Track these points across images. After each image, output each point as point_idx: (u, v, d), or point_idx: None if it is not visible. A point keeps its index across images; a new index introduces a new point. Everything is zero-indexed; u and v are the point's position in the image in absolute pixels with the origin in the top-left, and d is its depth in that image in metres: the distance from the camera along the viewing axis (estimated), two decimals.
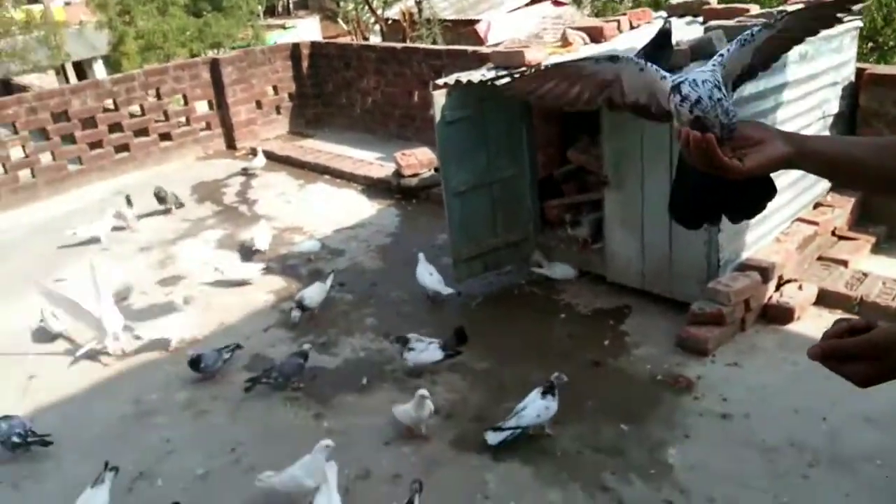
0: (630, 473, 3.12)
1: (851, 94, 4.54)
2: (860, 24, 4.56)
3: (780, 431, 3.26)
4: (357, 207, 6.59)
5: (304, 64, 8.97)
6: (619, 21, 4.48)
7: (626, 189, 4.20)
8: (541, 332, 4.27)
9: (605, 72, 1.23)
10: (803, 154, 1.13)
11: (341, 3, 16.99)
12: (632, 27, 4.55)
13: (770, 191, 1.24)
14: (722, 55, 1.15)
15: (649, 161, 4.00)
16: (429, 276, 4.75)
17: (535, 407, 3.28)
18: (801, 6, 1.26)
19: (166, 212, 6.79)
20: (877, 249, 4.55)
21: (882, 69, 4.63)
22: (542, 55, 4.17)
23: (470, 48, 7.25)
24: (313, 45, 9.13)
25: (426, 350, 3.85)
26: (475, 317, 4.54)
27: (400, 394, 3.82)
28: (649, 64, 1.21)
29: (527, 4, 15.94)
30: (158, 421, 3.83)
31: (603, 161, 4.30)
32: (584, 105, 1.29)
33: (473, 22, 15.29)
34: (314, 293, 4.62)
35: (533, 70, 1.43)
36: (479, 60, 6.44)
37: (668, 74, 1.17)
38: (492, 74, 4.16)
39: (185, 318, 4.60)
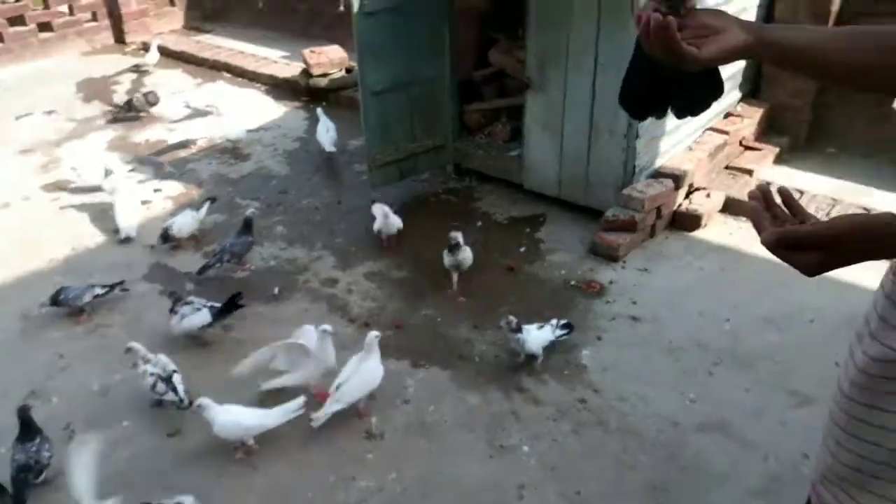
0: (545, 374, 3.19)
1: (768, 4, 4.56)
2: None
3: (687, 333, 3.40)
4: (261, 109, 6.23)
5: None
6: None
7: (548, 92, 4.12)
8: None
9: None
10: (763, 41, 1.10)
11: None
12: None
13: (717, 89, 1.23)
14: None
15: (574, 62, 3.91)
16: (325, 133, 4.80)
17: None
18: None
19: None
20: (779, 160, 4.72)
21: None
22: None
23: None
24: None
25: (195, 315, 3.38)
26: None
27: (312, 303, 3.72)
28: None
29: None
30: (50, 336, 3.58)
31: (525, 63, 4.18)
32: None
33: None
34: (183, 223, 4.17)
35: None
36: None
37: None
38: None
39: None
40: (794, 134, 4.77)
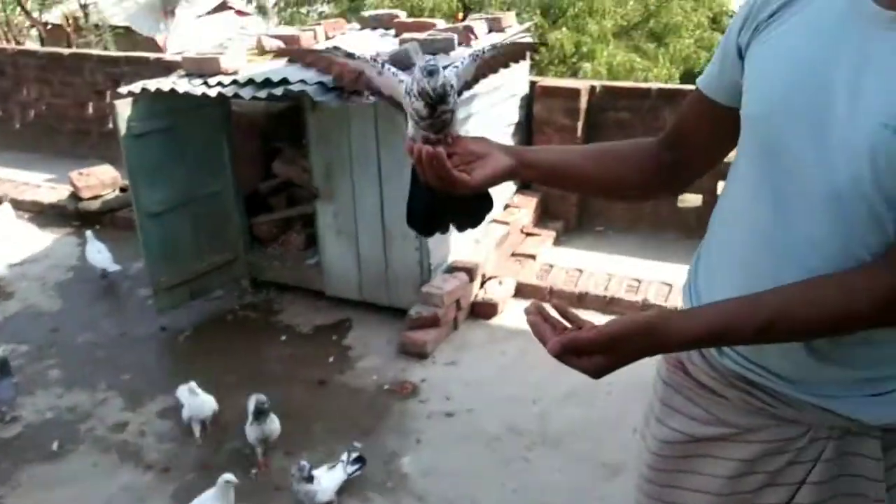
0: (367, 492, 3.06)
1: (527, 104, 5.04)
2: (531, 39, 5.08)
3: (500, 420, 3.47)
4: (25, 239, 5.62)
5: None
6: (315, 31, 4.41)
7: (337, 200, 4.15)
8: (261, 359, 4.02)
9: (351, 65, 1.27)
10: (524, 163, 1.20)
11: None
12: (327, 38, 4.51)
13: (489, 203, 1.31)
14: (457, 66, 1.22)
15: (359, 170, 3.99)
16: (97, 253, 4.62)
17: None
18: (503, 42, 1.38)
19: None
20: (557, 242, 5.12)
21: (551, 82, 5.22)
22: (241, 61, 3.93)
23: (152, 55, 6.64)
24: None
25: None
26: (185, 352, 4.13)
27: (102, 455, 3.30)
28: (387, 66, 1.24)
29: (209, 13, 15.24)
30: None
31: (311, 172, 4.20)
32: (351, 86, 1.36)
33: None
34: None
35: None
36: (164, 68, 5.91)
37: (404, 76, 1.20)
38: (185, 82, 3.80)
39: None
40: (566, 218, 5.22)
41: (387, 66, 1.24)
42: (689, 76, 9.97)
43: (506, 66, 1.37)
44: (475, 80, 1.34)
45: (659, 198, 1.39)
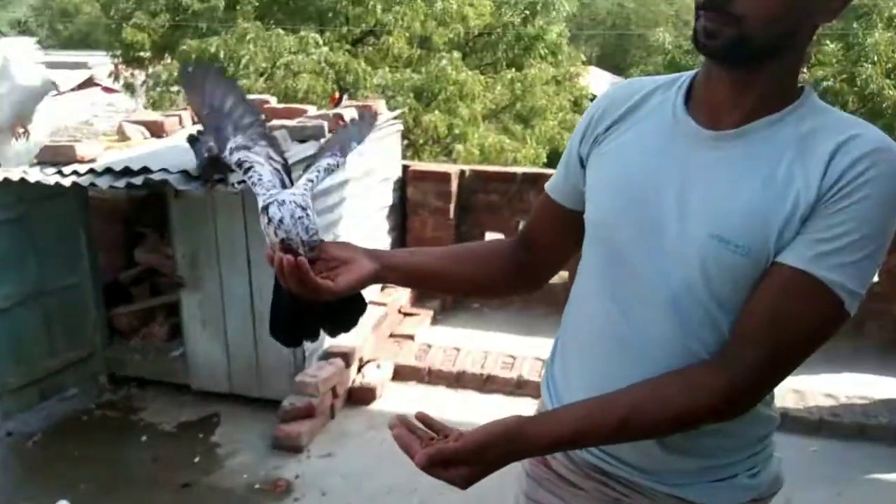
0: None
1: (401, 187, 5.13)
2: (401, 126, 5.22)
3: None
4: None
5: None
6: (180, 116, 4.32)
7: (204, 289, 3.99)
8: (121, 462, 3.73)
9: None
10: (387, 267, 1.21)
11: None
12: (194, 123, 4.43)
13: (362, 306, 1.30)
14: (311, 181, 1.20)
15: (226, 258, 3.88)
16: None
17: None
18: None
19: None
20: (435, 321, 5.15)
21: (422, 166, 5.36)
22: (98, 149, 3.77)
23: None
24: None
25: None
26: (34, 460, 3.76)
27: None
28: (256, 176, 1.18)
29: (73, 89, 14.64)
30: None
31: (175, 260, 4.04)
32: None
33: None
34: None
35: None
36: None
37: (262, 191, 1.16)
38: (37, 171, 3.60)
39: None
40: (442, 296, 5.28)
41: (256, 176, 1.17)
42: (555, 156, 10.57)
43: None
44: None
45: (519, 294, 1.44)
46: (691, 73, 1.16)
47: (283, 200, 1.10)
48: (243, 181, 1.24)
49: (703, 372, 1.07)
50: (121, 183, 3.42)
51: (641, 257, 1.11)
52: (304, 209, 1.11)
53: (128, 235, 4.85)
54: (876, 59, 9.21)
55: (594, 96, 11.42)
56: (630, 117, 1.18)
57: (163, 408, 4.18)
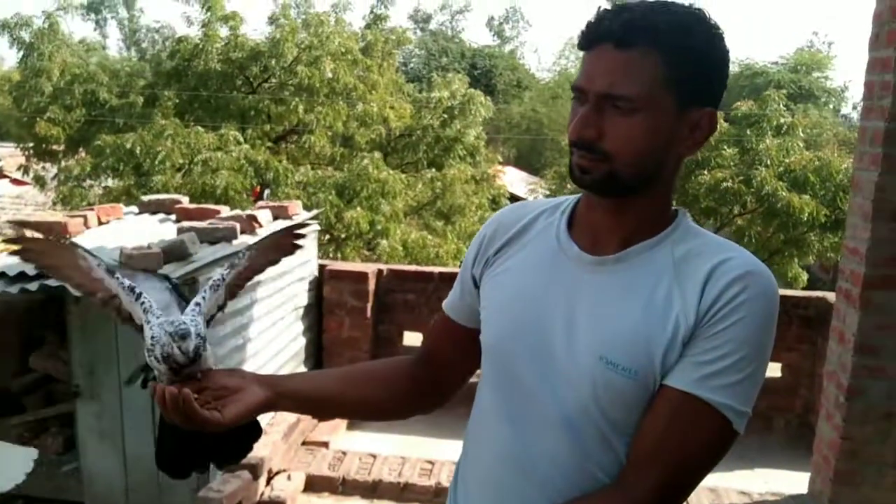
0: None
1: (317, 286, 5.07)
2: (318, 227, 5.22)
3: None
4: None
5: None
6: (86, 216, 4.19)
7: (101, 398, 3.76)
8: None
9: (109, 283, 1.18)
10: (280, 395, 1.17)
11: None
12: (100, 223, 4.30)
13: (255, 432, 1.25)
14: (199, 304, 1.18)
15: (126, 366, 3.68)
16: None
17: None
18: (259, 238, 1.37)
19: None
20: (351, 426, 4.99)
21: (339, 265, 5.34)
22: None
23: None
24: None
25: None
26: None
27: None
28: (142, 299, 1.17)
29: None
30: None
31: (72, 369, 3.81)
32: (99, 307, 1.22)
33: None
34: None
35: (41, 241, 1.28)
36: None
37: (152, 318, 1.14)
38: None
39: None
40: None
41: (142, 298, 1.16)
42: None
43: (272, 263, 1.34)
44: (234, 292, 1.30)
45: (422, 413, 1.40)
46: (574, 197, 1.21)
47: (158, 329, 1.09)
48: (127, 320, 1.21)
49: (605, 500, 1.07)
50: (14, 289, 3.24)
51: (534, 380, 1.12)
52: (177, 325, 1.09)
53: (24, 339, 4.57)
54: (769, 162, 9.95)
55: (512, 195, 11.91)
56: (517, 241, 1.21)
57: None
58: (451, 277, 5.21)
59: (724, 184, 9.89)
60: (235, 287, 1.30)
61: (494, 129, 18.75)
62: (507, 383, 1.16)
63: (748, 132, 10.51)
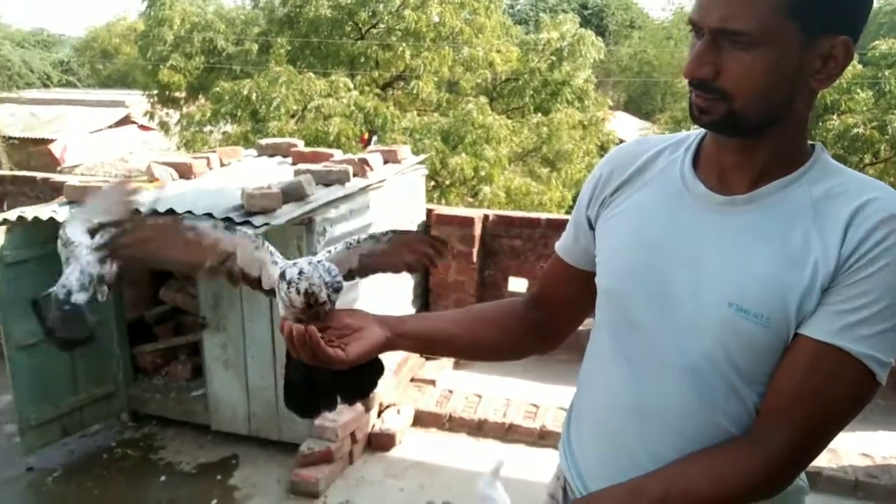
0: None
1: (424, 230, 5.14)
2: (426, 170, 5.25)
3: None
4: None
5: None
6: (209, 158, 4.40)
7: (226, 331, 4.01)
8: (139, 502, 3.71)
9: (226, 241, 1.19)
10: (399, 335, 1.20)
11: None
12: (222, 164, 4.51)
13: (379, 370, 1.29)
14: (329, 251, 1.23)
15: (249, 301, 3.89)
16: None
17: None
18: (402, 230, 1.37)
19: None
20: (457, 365, 5.10)
21: (445, 210, 5.37)
22: None
23: (40, 175, 6.40)
24: None
25: None
26: (54, 496, 3.77)
27: None
28: (266, 244, 1.20)
29: (110, 126, 15.06)
30: None
31: (199, 301, 4.06)
32: (205, 275, 1.21)
33: (48, 141, 13.80)
34: None
35: (140, 222, 1.26)
36: (51, 188, 5.74)
37: (280, 260, 1.19)
38: (66, 210, 3.67)
39: None
40: None
41: (266, 244, 1.20)
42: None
43: (396, 268, 1.35)
44: (364, 272, 1.32)
45: (535, 354, 1.40)
46: (699, 132, 1.13)
47: (302, 269, 1.12)
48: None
49: (736, 453, 1.03)
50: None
51: (655, 325, 1.08)
52: (319, 261, 1.13)
53: (154, 273, 4.91)
54: None
55: (621, 140, 11.50)
56: (637, 179, 1.16)
57: (183, 448, 4.17)
58: (558, 224, 5.17)
59: (855, 130, 9.14)
60: (368, 268, 1.32)
61: (604, 72, 18.10)
62: (625, 327, 1.13)
63: (886, 73, 9.64)
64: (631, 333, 1.12)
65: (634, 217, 1.14)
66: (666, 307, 1.06)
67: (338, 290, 1.12)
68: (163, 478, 3.92)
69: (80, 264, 2.12)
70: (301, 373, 1.22)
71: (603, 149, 10.76)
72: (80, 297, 2.09)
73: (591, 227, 1.22)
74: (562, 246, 1.31)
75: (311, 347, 1.07)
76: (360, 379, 1.27)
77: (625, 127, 15.84)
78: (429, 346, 1.32)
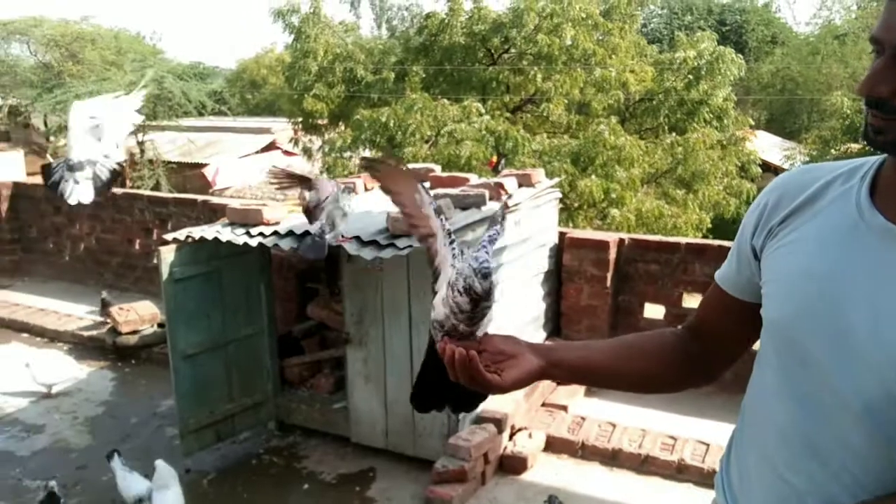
0: None
1: (557, 254, 5.14)
2: (559, 193, 5.26)
3: None
4: (61, 371, 5.71)
5: (2, 207, 7.92)
6: (354, 184, 4.63)
7: (368, 346, 4.19)
8: None
9: (433, 222, 1.25)
10: (552, 364, 1.20)
11: (51, 138, 15.62)
12: (366, 189, 4.73)
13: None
14: (484, 245, 1.23)
15: (390, 318, 4.06)
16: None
17: None
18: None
19: None
20: (589, 392, 5.03)
21: (578, 233, 5.35)
22: (282, 213, 4.12)
23: (199, 197, 7.00)
24: (16, 185, 8.12)
25: None
26: (208, 497, 4.06)
27: None
28: (455, 243, 1.24)
29: (257, 152, 16.12)
30: None
31: (344, 317, 4.28)
32: (419, 240, 1.28)
33: (201, 165, 14.98)
34: None
35: (397, 163, 1.36)
36: (209, 210, 6.23)
37: (456, 259, 1.22)
38: (228, 231, 3.99)
39: None
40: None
41: (455, 243, 1.24)
42: (719, 222, 10.11)
43: None
44: None
45: (691, 388, 1.37)
46: (876, 159, 1.07)
47: (487, 271, 1.14)
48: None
49: None
50: (294, 244, 3.70)
51: (829, 361, 1.03)
52: (481, 261, 1.15)
53: (301, 290, 5.21)
54: None
55: (763, 161, 10.83)
56: (808, 209, 1.11)
57: (324, 458, 4.38)
58: (698, 249, 5.00)
59: None
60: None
61: (744, 89, 17.35)
62: (794, 363, 1.08)
63: None
64: (801, 369, 1.07)
65: (806, 248, 1.09)
66: (842, 343, 1.01)
67: (486, 275, 1.12)
68: (305, 486, 4.13)
69: (329, 215, 3.30)
70: (435, 376, 1.25)
71: (743, 169, 10.29)
72: (328, 234, 3.31)
73: (756, 258, 1.17)
74: (723, 276, 1.26)
75: (469, 371, 1.10)
76: (471, 395, 1.29)
77: (766, 146, 15.05)
78: (582, 377, 1.32)
